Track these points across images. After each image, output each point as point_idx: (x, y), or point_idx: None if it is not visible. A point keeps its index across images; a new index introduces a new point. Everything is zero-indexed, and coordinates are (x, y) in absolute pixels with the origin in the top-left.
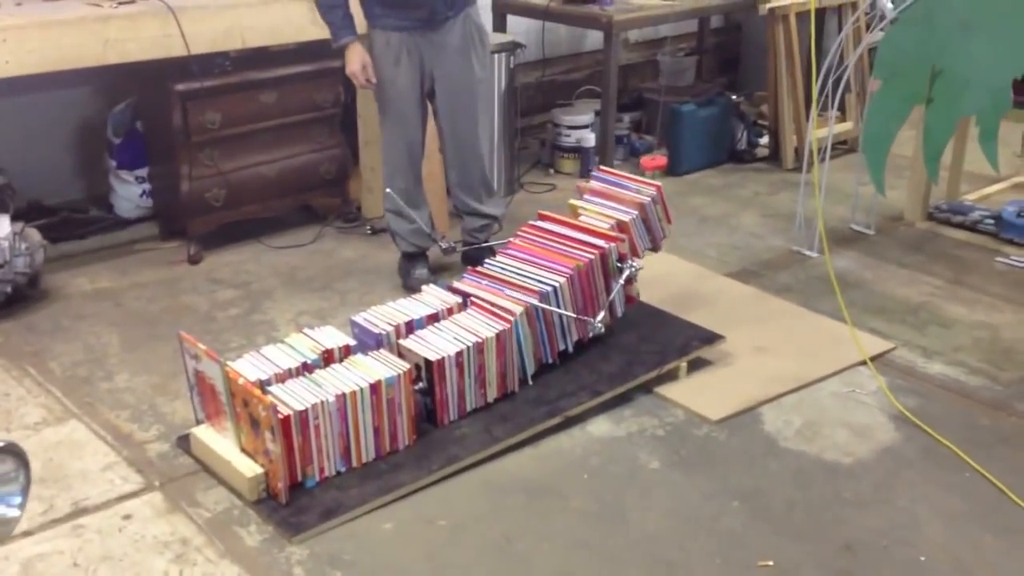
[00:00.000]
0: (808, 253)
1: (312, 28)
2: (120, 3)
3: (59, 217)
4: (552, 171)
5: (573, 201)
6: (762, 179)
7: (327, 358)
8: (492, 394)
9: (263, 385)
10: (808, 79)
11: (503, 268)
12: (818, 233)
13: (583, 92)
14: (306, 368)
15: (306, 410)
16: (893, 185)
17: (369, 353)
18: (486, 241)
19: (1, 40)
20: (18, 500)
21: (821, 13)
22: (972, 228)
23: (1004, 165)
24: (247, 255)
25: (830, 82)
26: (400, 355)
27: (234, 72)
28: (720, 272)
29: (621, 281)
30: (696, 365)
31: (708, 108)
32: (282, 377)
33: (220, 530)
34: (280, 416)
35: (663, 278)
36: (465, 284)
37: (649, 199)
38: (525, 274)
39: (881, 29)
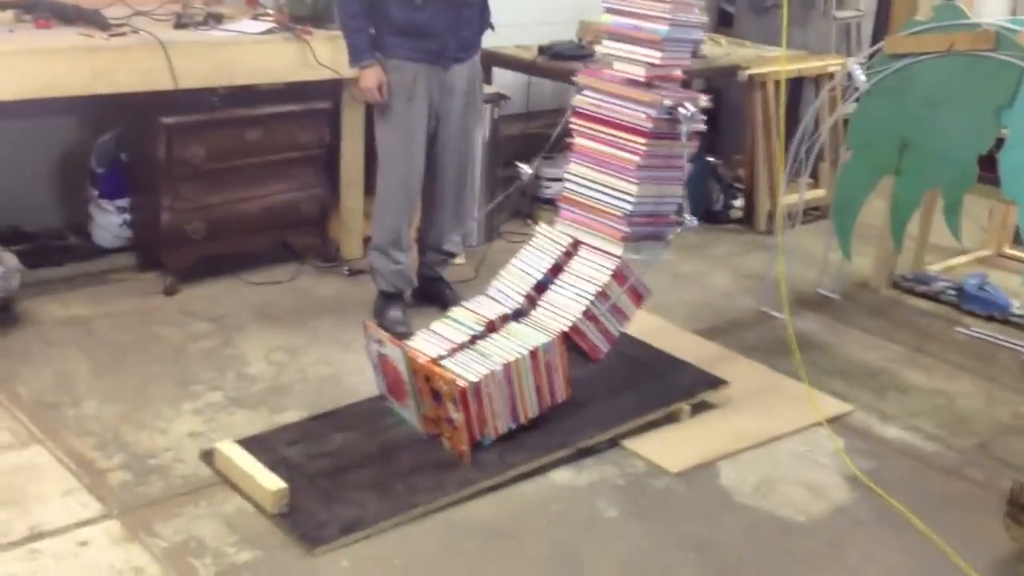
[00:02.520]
0: (775, 314)
1: (301, 69)
2: (112, 35)
3: (37, 243)
4: (530, 222)
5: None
6: (735, 240)
7: (489, 327)
8: (532, 411)
9: (439, 360)
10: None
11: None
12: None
13: (566, 145)
14: (473, 339)
15: (479, 380)
16: (861, 252)
17: (523, 322)
18: (441, 277)
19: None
20: None
21: (798, 82)
22: (935, 298)
23: (969, 239)
24: (223, 289)
25: (803, 149)
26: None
27: (221, 108)
28: (689, 328)
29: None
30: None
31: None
32: (454, 350)
33: (176, 561)
34: (460, 387)
35: (633, 332)
36: (565, 220)
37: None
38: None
39: (855, 100)
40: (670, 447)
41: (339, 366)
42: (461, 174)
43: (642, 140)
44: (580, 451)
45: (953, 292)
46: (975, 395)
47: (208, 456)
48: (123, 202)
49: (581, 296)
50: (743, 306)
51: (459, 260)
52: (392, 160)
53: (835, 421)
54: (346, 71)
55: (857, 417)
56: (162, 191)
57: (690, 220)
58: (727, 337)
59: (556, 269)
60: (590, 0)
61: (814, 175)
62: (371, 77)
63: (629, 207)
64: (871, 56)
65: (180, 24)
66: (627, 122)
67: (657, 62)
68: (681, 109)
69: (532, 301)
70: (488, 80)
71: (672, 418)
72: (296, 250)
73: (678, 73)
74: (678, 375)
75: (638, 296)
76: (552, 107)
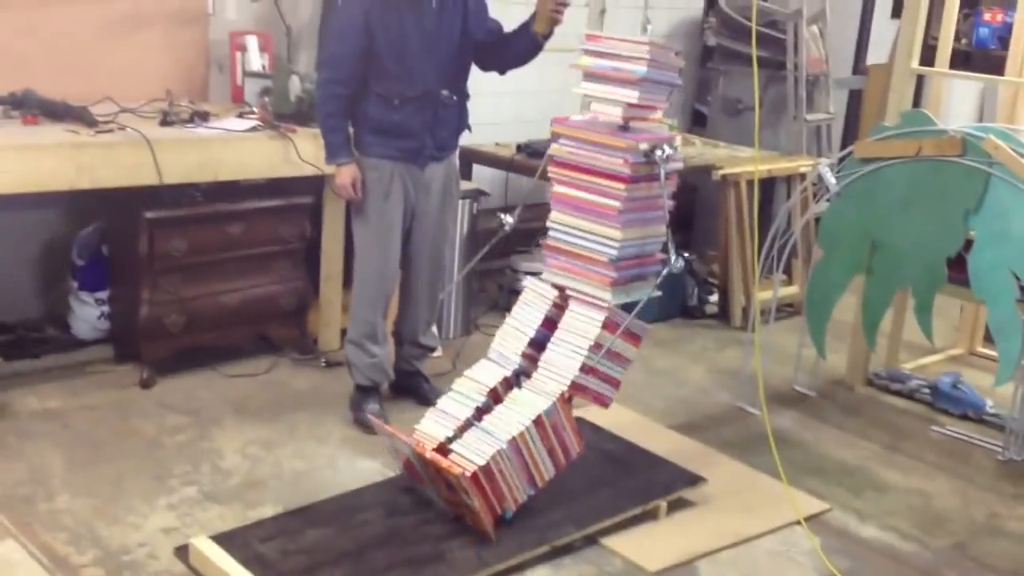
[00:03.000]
0: (751, 410)
1: (284, 165)
2: (98, 131)
3: (15, 335)
4: (507, 314)
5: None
6: (711, 335)
7: (493, 397)
8: (548, 473)
9: (448, 444)
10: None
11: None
12: (755, 391)
13: (542, 242)
14: (479, 412)
15: (488, 463)
16: (836, 349)
17: (524, 385)
18: (419, 371)
19: None
20: None
21: (771, 182)
22: (909, 396)
23: (941, 337)
24: (200, 382)
25: (775, 247)
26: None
27: (204, 203)
28: (665, 424)
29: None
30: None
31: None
32: (461, 429)
33: None
34: (468, 476)
35: (609, 427)
36: (552, 268)
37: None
38: (586, 239)
39: (826, 200)
40: (648, 545)
41: (315, 460)
42: (436, 270)
43: (622, 185)
44: (557, 548)
45: (927, 390)
46: (951, 494)
47: (182, 552)
48: (102, 294)
49: (576, 352)
50: (719, 401)
51: (436, 353)
52: (368, 256)
53: (812, 519)
54: (328, 167)
55: (834, 516)
56: (142, 283)
57: (676, 261)
58: (704, 433)
59: (549, 323)
60: (566, 101)
61: (788, 272)
62: (346, 175)
63: (615, 252)
64: (841, 160)
65: (166, 121)
66: (605, 168)
67: (635, 101)
68: (658, 152)
69: (531, 359)
70: (468, 176)
71: (650, 515)
72: (274, 342)
73: (655, 116)
74: (656, 472)
75: (635, 337)
76: (531, 202)
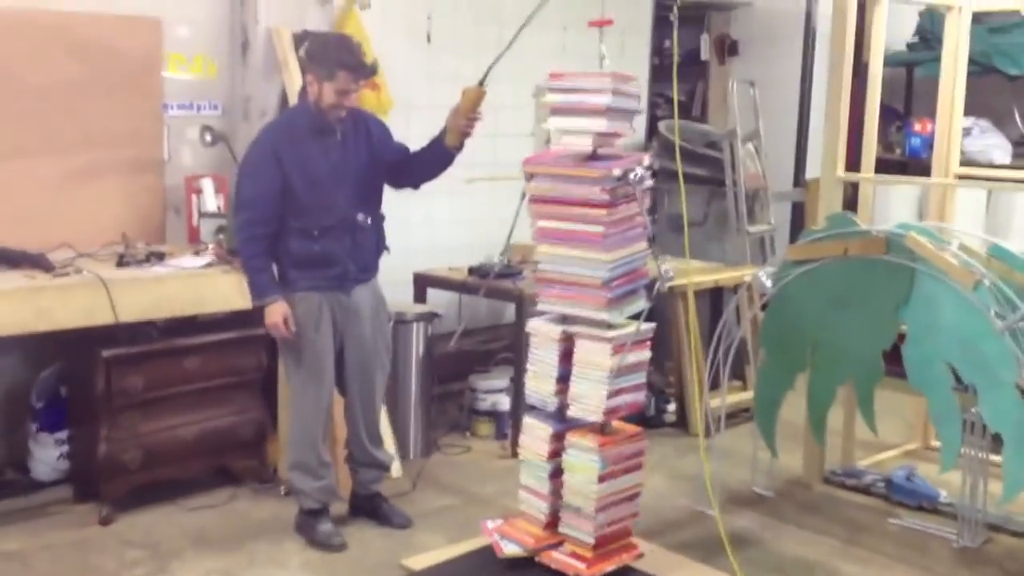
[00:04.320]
0: (710, 513)
1: (237, 298)
2: (55, 276)
3: None
4: (468, 434)
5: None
6: (669, 443)
7: (553, 456)
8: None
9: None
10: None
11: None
12: (716, 494)
13: (500, 360)
14: (556, 477)
15: (597, 539)
16: (792, 450)
17: (567, 441)
18: (378, 493)
19: None
20: None
21: (720, 292)
22: (866, 491)
23: (896, 433)
24: (160, 516)
25: (720, 354)
26: None
27: (160, 339)
28: None
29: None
30: None
31: None
32: (551, 501)
33: None
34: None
35: None
36: (548, 298)
37: None
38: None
39: (762, 307)
40: None
41: None
42: (370, 392)
43: (602, 211)
44: None
45: (882, 484)
46: None
47: None
48: (61, 435)
49: (599, 384)
50: (679, 506)
51: (395, 473)
52: (304, 388)
53: None
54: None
55: None
56: (100, 422)
57: (666, 272)
58: (663, 537)
59: (566, 358)
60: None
61: (742, 378)
62: (277, 313)
63: (606, 274)
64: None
65: (122, 263)
66: (583, 199)
67: (604, 130)
68: (631, 175)
69: (561, 392)
70: (423, 300)
71: None
72: (234, 473)
73: (618, 142)
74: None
75: (643, 343)
76: (489, 324)
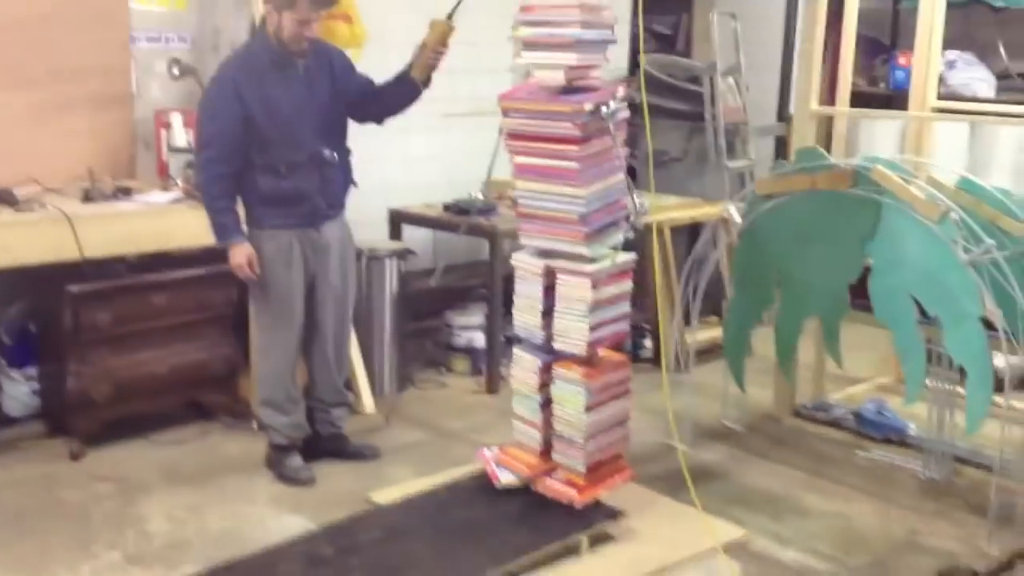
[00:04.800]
0: (678, 447)
1: (206, 235)
2: (18, 211)
3: None
4: (444, 370)
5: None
6: (644, 379)
7: (543, 386)
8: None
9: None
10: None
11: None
12: (686, 429)
13: (477, 296)
14: (545, 407)
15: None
16: (764, 384)
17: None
18: (340, 432)
19: None
20: None
21: (698, 228)
22: (835, 425)
23: (870, 367)
24: (131, 451)
25: (690, 289)
26: None
27: (128, 275)
28: None
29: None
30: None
31: None
32: (543, 430)
33: None
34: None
35: None
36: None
37: None
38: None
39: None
40: None
41: (242, 520)
42: (342, 329)
43: (575, 147)
44: None
45: (852, 418)
46: (872, 515)
47: None
48: (32, 371)
49: (581, 318)
50: (649, 440)
51: (368, 410)
52: (278, 325)
53: (734, 547)
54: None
55: (756, 542)
56: (68, 357)
57: (640, 206)
58: (633, 470)
59: (549, 291)
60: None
61: (719, 314)
62: (240, 254)
63: (583, 208)
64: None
65: (88, 198)
66: (557, 134)
67: (574, 63)
68: (603, 108)
69: (547, 326)
70: (397, 237)
71: (571, 551)
72: (207, 408)
73: (594, 73)
74: (575, 508)
75: (624, 274)
76: (466, 260)
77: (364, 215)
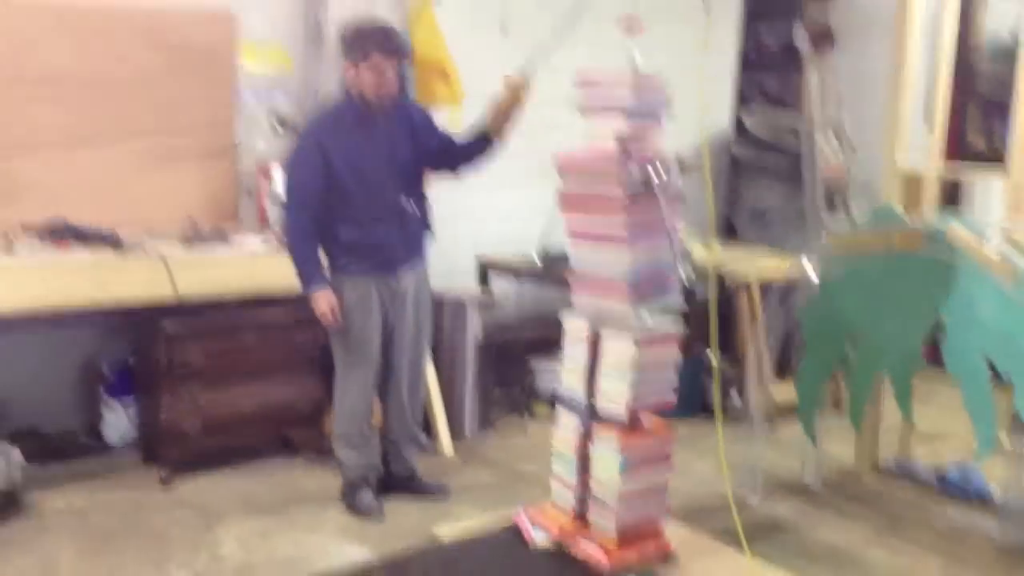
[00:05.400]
0: (750, 500)
1: (294, 280)
2: (119, 252)
3: (50, 442)
4: (527, 415)
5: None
6: (727, 432)
7: (581, 452)
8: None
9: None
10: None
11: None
12: (761, 482)
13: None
14: (581, 469)
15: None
16: (849, 441)
17: (594, 434)
18: (413, 473)
19: (13, 280)
20: None
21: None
22: (916, 483)
23: (955, 424)
24: (216, 481)
25: (767, 345)
26: None
27: (220, 315)
28: None
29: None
30: None
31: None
32: (579, 492)
33: None
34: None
35: None
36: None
37: None
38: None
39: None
40: None
41: (307, 548)
42: (415, 372)
43: (623, 211)
44: None
45: (934, 477)
46: (936, 573)
47: None
48: (130, 401)
49: (622, 379)
50: (720, 492)
51: (446, 451)
52: (357, 369)
53: None
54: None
55: None
56: (162, 391)
57: (686, 273)
58: (697, 522)
59: (594, 351)
60: None
61: None
62: (324, 302)
63: (630, 275)
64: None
65: (187, 241)
66: (606, 198)
67: (626, 130)
68: (654, 179)
69: (590, 387)
70: (485, 284)
71: None
72: (292, 444)
73: (651, 140)
74: None
75: (670, 338)
76: (548, 310)
77: (454, 264)
